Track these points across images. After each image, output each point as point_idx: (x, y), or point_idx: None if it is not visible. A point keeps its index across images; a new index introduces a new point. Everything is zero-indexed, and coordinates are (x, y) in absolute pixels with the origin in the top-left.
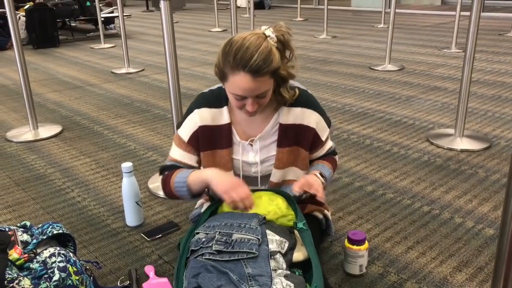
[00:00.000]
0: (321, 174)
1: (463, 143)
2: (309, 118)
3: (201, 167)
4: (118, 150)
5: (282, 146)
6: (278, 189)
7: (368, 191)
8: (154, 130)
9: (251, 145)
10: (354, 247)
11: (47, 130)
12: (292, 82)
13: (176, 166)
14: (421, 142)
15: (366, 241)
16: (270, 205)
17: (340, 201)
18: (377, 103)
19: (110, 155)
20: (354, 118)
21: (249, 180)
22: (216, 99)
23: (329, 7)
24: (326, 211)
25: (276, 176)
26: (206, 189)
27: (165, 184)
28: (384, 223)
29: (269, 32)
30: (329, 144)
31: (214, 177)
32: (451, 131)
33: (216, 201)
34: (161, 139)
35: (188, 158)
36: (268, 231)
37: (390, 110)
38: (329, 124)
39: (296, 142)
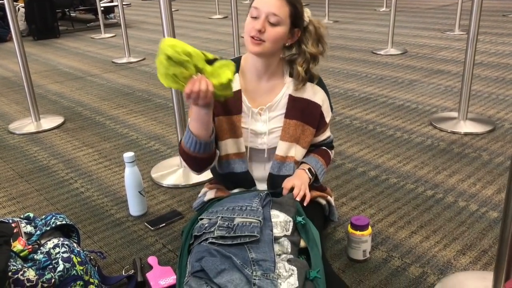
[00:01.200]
0: (310, 170)
1: (466, 126)
2: (317, 95)
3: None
4: (120, 140)
5: (289, 117)
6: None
7: (371, 176)
8: (156, 120)
9: (260, 114)
10: (357, 232)
11: (49, 122)
12: None
13: None
14: (424, 126)
15: (370, 226)
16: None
17: (343, 186)
18: (379, 88)
19: (113, 145)
20: (356, 103)
21: (256, 153)
22: None
23: None
24: (329, 197)
25: (281, 148)
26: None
27: (180, 149)
28: (387, 208)
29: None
30: (329, 132)
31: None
32: (454, 114)
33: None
34: (163, 128)
35: None
36: (272, 211)
37: (393, 94)
38: (331, 109)
39: (303, 118)
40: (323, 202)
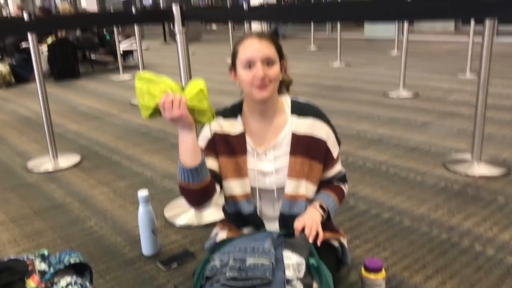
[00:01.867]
0: (321, 206)
1: (480, 169)
2: (320, 129)
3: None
4: (135, 179)
5: (294, 154)
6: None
7: (385, 218)
8: (171, 159)
9: (265, 154)
10: (371, 275)
11: (67, 160)
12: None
13: None
14: (438, 168)
15: (383, 269)
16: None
17: (356, 228)
18: (392, 130)
19: (128, 184)
20: (369, 144)
21: (266, 193)
22: (230, 111)
23: (342, 36)
24: (342, 238)
25: (290, 186)
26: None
27: (179, 186)
28: (401, 251)
29: None
30: (339, 167)
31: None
32: (468, 157)
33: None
34: None
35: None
36: (285, 253)
37: (406, 136)
38: (339, 142)
39: (308, 154)
40: (336, 244)
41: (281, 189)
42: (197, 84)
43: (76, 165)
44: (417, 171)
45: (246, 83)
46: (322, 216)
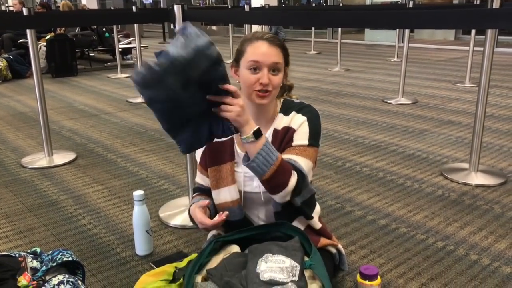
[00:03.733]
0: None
1: (478, 178)
2: (296, 120)
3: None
4: (130, 178)
5: None
6: (281, 224)
7: (381, 225)
8: (167, 159)
9: None
10: (367, 282)
11: (62, 157)
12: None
13: (197, 189)
14: (435, 176)
15: (379, 276)
16: None
17: (352, 234)
18: (390, 136)
19: (123, 183)
20: (367, 150)
21: (252, 198)
22: None
23: (342, 41)
24: (339, 245)
25: None
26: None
27: (189, 215)
28: (397, 258)
29: None
30: (294, 157)
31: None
32: (465, 165)
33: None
34: (174, 168)
35: (201, 179)
36: (278, 257)
37: (404, 143)
38: (313, 142)
39: (283, 147)
40: (334, 250)
41: (266, 193)
42: None
43: (71, 163)
44: (414, 179)
45: (248, 85)
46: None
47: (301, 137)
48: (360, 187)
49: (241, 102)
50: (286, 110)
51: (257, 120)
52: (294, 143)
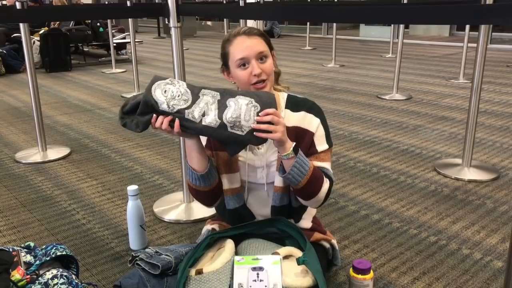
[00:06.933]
0: (296, 150)
1: (470, 173)
2: (310, 122)
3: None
4: (124, 173)
5: None
6: (277, 219)
7: (374, 219)
8: (161, 154)
9: (257, 148)
10: (359, 276)
11: (56, 152)
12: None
13: None
14: (428, 171)
15: (372, 270)
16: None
17: (345, 229)
18: (384, 132)
19: (117, 178)
20: (361, 146)
21: (256, 189)
22: None
23: (337, 36)
24: (333, 240)
25: (279, 179)
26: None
27: (188, 186)
28: (390, 253)
29: None
30: (325, 165)
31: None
32: (458, 161)
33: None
34: (168, 163)
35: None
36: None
37: (397, 138)
38: (330, 143)
39: (296, 145)
40: (327, 245)
41: (270, 184)
42: None
43: (65, 158)
44: (407, 174)
45: (244, 82)
46: (290, 152)
47: (321, 141)
48: (354, 182)
49: (282, 121)
50: (293, 107)
51: None
52: (318, 149)
